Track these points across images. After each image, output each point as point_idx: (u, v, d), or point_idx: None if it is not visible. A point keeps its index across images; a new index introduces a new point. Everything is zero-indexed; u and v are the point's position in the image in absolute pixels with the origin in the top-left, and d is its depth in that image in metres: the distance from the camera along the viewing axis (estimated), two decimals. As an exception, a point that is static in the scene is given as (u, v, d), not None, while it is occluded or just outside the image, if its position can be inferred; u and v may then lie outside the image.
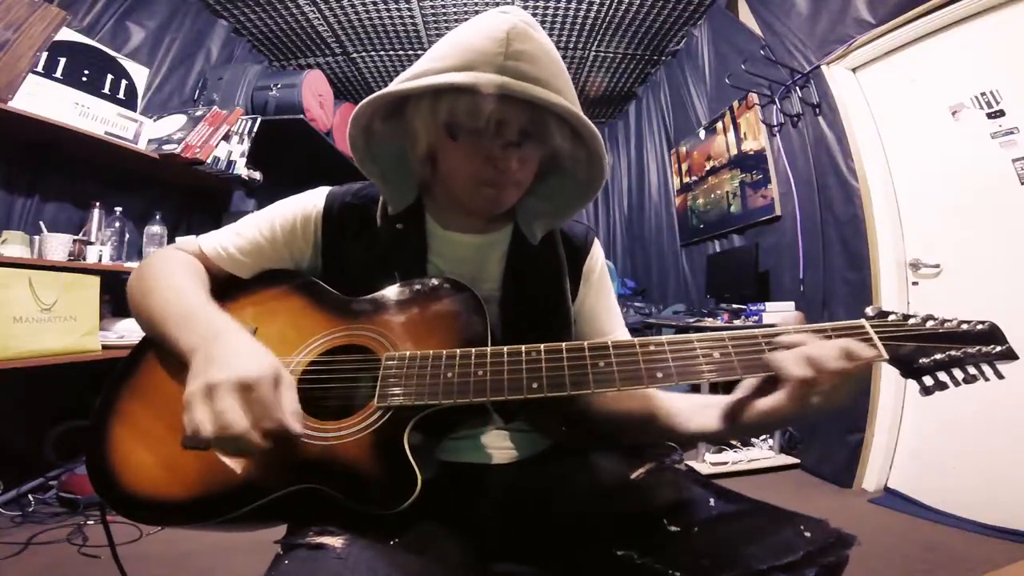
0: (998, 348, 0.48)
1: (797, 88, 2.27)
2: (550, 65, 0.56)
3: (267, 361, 0.49)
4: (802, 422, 0.51)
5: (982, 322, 0.50)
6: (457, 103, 0.54)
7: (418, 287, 0.61)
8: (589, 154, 0.61)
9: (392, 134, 0.63)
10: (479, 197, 0.61)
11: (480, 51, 0.53)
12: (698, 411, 0.60)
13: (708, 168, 3.01)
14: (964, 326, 0.50)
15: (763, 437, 2.39)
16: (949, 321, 0.50)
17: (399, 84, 0.56)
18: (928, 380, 0.49)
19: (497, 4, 2.92)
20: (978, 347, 0.48)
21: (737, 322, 2.28)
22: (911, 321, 0.51)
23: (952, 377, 0.49)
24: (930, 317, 0.51)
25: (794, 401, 0.48)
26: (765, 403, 0.50)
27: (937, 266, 1.84)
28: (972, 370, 0.48)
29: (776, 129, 2.43)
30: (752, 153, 2.60)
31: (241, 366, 0.47)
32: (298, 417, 0.48)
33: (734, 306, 2.38)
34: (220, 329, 0.52)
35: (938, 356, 0.48)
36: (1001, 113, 1.62)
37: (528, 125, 0.57)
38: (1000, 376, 0.48)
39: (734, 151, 2.75)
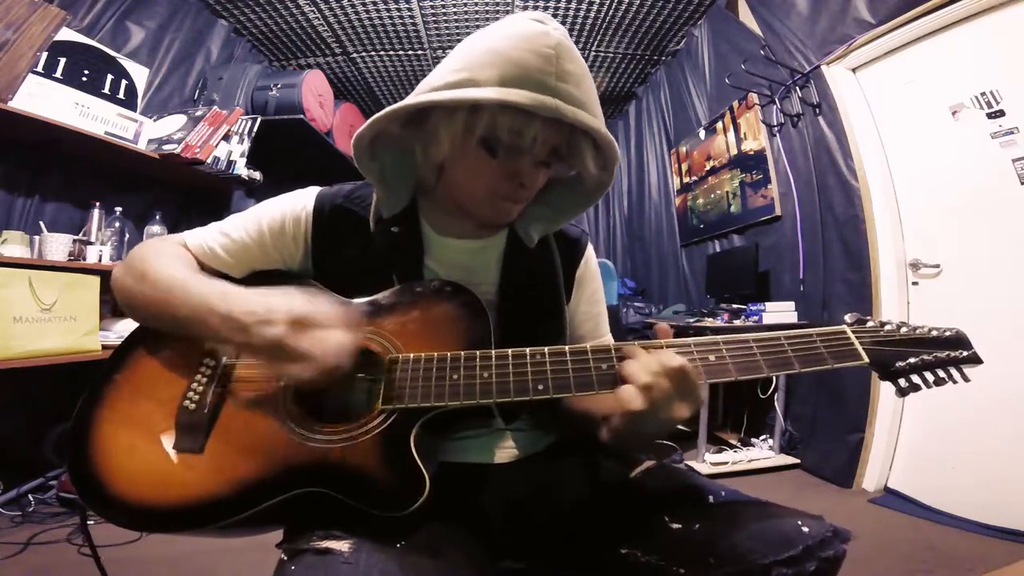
0: (964, 353, 0.51)
1: (797, 88, 2.27)
2: (590, 87, 0.56)
3: (281, 304, 0.51)
4: (644, 436, 0.54)
5: (949, 329, 0.53)
6: (500, 119, 0.52)
7: (419, 289, 0.60)
8: (603, 171, 0.62)
9: (404, 138, 0.61)
10: (495, 211, 0.62)
11: (528, 67, 0.51)
12: (602, 418, 0.57)
13: (708, 168, 3.01)
14: (934, 332, 0.53)
15: (763, 437, 2.39)
16: (920, 327, 0.54)
17: (434, 94, 0.53)
18: (903, 382, 0.52)
19: (498, 5, 2.92)
20: (947, 352, 0.52)
21: (737, 322, 2.28)
22: (887, 328, 0.54)
23: (924, 379, 0.52)
24: (903, 324, 0.54)
25: (623, 413, 0.49)
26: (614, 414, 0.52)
27: (937, 266, 1.84)
28: (941, 373, 0.52)
29: (776, 129, 2.43)
30: (752, 153, 2.60)
31: (267, 318, 0.50)
32: (344, 321, 0.53)
33: (734, 306, 2.38)
34: (243, 291, 0.55)
35: (912, 360, 0.52)
36: (1001, 113, 1.62)
37: (562, 146, 0.57)
38: (966, 379, 0.51)
39: (734, 151, 2.75)
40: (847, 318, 0.57)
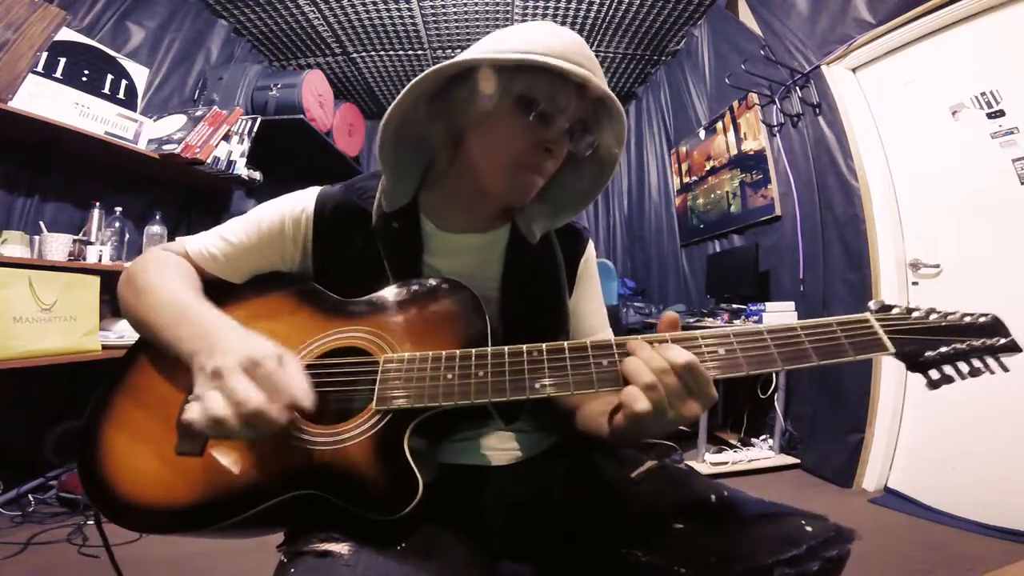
0: (1002, 341, 0.47)
1: (797, 88, 2.27)
2: (602, 73, 0.60)
3: (268, 344, 0.49)
4: (651, 433, 0.52)
5: (984, 315, 0.49)
6: (538, 81, 0.56)
7: (415, 287, 0.60)
8: (603, 162, 0.63)
9: (426, 119, 0.62)
10: (515, 182, 0.61)
11: (559, 49, 0.55)
12: (602, 413, 0.56)
13: (708, 168, 3.01)
14: (967, 319, 0.48)
15: (763, 437, 2.40)
16: (952, 314, 0.49)
17: (481, 54, 0.56)
18: (934, 374, 0.48)
19: (498, 5, 2.92)
20: (982, 340, 0.47)
21: (737, 322, 2.28)
22: (915, 315, 0.49)
23: (958, 370, 0.47)
24: (933, 310, 0.50)
25: (627, 412, 0.46)
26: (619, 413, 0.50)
27: (937, 266, 1.84)
28: (977, 363, 0.47)
29: (776, 129, 2.43)
30: (752, 153, 2.60)
31: (245, 347, 0.47)
32: (308, 395, 0.47)
33: (734, 306, 2.38)
34: (216, 325, 0.52)
35: (943, 349, 0.47)
36: (1001, 113, 1.62)
37: (588, 117, 0.60)
38: (1005, 369, 0.47)
39: (734, 151, 2.75)
40: (871, 305, 0.52)
